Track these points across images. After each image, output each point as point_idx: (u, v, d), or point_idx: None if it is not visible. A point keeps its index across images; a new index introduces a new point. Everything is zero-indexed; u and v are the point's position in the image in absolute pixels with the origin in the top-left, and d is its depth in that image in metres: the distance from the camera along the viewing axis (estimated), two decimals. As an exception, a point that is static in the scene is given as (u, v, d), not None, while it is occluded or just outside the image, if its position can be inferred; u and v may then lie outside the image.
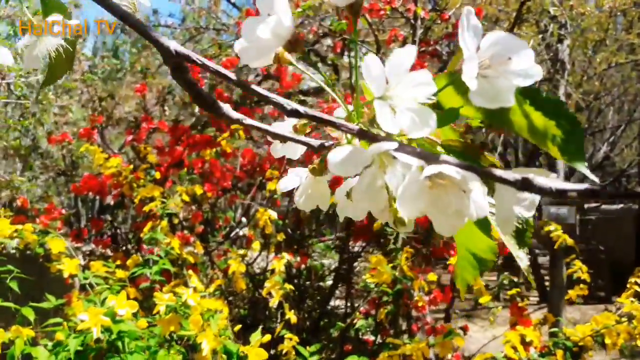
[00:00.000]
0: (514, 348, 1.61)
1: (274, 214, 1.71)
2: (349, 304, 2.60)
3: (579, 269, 1.82)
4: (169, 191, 2.09)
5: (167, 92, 2.68)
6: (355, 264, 2.68)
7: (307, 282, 2.72)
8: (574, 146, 0.31)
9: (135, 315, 1.23)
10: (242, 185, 2.78)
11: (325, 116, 0.33)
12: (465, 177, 0.29)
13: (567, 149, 0.31)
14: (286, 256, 1.76)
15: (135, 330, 1.06)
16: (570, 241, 1.88)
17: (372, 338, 2.23)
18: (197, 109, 2.34)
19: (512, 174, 0.28)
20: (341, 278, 2.68)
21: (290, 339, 1.54)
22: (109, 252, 2.35)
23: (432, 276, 2.01)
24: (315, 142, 0.36)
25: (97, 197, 2.78)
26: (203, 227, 2.11)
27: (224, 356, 1.02)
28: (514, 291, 1.88)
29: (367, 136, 0.33)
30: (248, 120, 0.35)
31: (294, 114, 0.33)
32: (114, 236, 2.33)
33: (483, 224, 0.38)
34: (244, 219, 2.64)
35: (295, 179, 0.38)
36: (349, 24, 2.02)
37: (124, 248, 2.26)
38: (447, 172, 0.29)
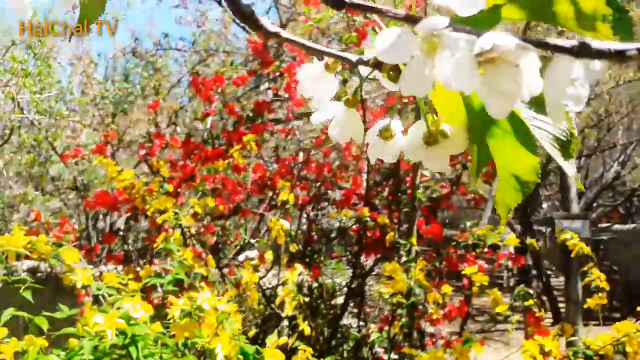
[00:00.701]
0: (533, 358, 1.58)
1: (286, 224, 1.71)
2: (361, 322, 2.57)
3: (597, 277, 1.79)
4: (181, 207, 2.09)
5: (176, 115, 2.71)
6: (368, 279, 2.65)
7: (319, 300, 2.70)
8: (625, 26, 0.30)
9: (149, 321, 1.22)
10: (253, 202, 2.79)
11: (369, 3, 0.31)
12: (519, 49, 0.27)
13: (619, 28, 0.30)
14: (299, 267, 1.75)
15: (150, 334, 1.05)
16: (587, 250, 1.86)
17: (385, 357, 2.20)
18: (208, 125, 2.36)
19: (568, 41, 0.27)
20: (353, 294, 2.65)
21: (305, 351, 1.52)
22: (119, 270, 2.35)
23: (446, 288, 1.99)
24: (353, 57, 0.34)
25: (108, 219, 2.80)
26: (215, 241, 2.11)
27: (241, 357, 1.01)
28: (531, 302, 1.85)
29: (416, 20, 0.29)
30: (285, 34, 0.34)
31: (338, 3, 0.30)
32: (125, 252, 2.33)
33: (526, 141, 0.38)
34: (252, 240, 2.63)
35: (329, 110, 0.37)
36: (359, 36, 2.04)
37: (135, 264, 2.26)
38: (501, 43, 0.27)
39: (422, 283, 1.74)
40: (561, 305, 5.86)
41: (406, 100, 2.47)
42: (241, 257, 2.40)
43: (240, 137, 2.06)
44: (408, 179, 2.35)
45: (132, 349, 1.09)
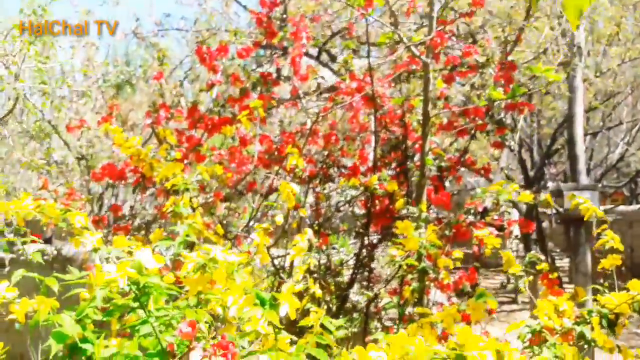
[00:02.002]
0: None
1: (296, 188, 1.68)
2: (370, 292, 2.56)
3: (612, 239, 1.77)
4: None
5: (181, 84, 2.68)
6: (376, 250, 2.64)
7: (326, 276, 2.68)
8: None
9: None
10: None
11: None
12: None
13: None
14: (309, 231, 1.73)
15: (162, 284, 1.03)
16: (600, 213, 1.83)
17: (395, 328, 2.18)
18: (214, 95, 2.33)
19: None
20: (361, 265, 2.64)
21: (316, 312, 1.50)
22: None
23: (458, 252, 1.97)
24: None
25: (113, 195, 2.79)
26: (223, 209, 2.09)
27: (257, 301, 0.99)
28: (545, 265, 1.84)
29: None
30: None
31: None
32: (133, 224, 2.32)
33: None
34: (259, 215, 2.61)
35: None
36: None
37: (144, 232, 2.24)
38: None
39: (435, 242, 1.72)
40: (566, 286, 5.87)
41: (414, 67, 2.44)
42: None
43: (247, 104, 2.04)
44: (417, 146, 2.33)
45: (144, 299, 1.07)
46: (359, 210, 2.79)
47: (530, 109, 2.64)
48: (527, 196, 1.75)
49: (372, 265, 2.69)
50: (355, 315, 2.29)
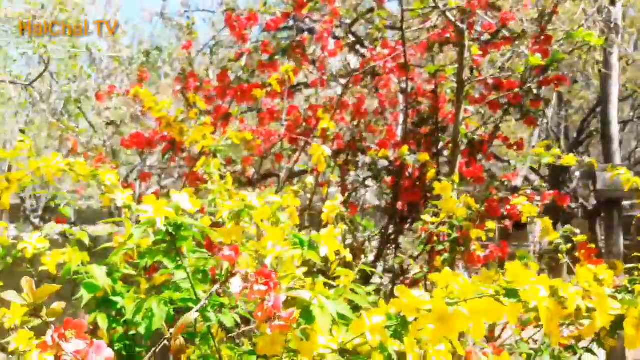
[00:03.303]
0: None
1: (328, 150, 1.65)
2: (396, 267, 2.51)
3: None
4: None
5: (211, 52, 2.68)
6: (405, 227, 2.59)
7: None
8: None
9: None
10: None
11: None
12: None
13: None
14: (339, 196, 1.69)
15: (200, 225, 1.01)
16: (641, 183, 1.76)
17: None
18: (243, 64, 2.31)
19: None
20: (388, 241, 2.60)
21: (347, 275, 1.47)
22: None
23: (491, 224, 1.92)
24: None
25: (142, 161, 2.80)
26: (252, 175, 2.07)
27: (296, 240, 0.96)
28: (583, 237, 1.78)
29: None
30: None
31: None
32: (162, 188, 2.31)
33: None
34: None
35: None
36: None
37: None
38: None
39: (473, 206, 1.67)
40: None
41: (447, 36, 2.38)
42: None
43: (277, 69, 2.01)
44: (450, 117, 2.28)
45: (180, 245, 1.05)
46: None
47: (564, 83, 2.57)
48: (570, 158, 1.69)
49: (400, 243, 2.65)
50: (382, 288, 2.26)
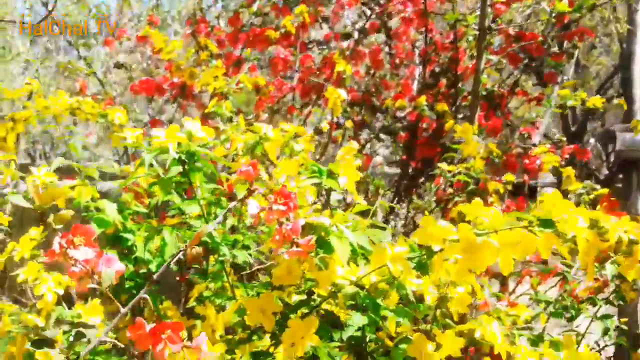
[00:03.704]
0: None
1: (344, 94, 1.59)
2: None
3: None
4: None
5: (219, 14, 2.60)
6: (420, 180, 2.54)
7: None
8: None
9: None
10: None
11: None
12: None
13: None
14: (354, 142, 1.64)
15: (214, 155, 0.96)
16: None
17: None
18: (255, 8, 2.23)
19: None
20: (400, 197, 2.56)
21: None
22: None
23: (509, 177, 1.86)
24: None
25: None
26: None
27: (314, 168, 0.92)
28: (605, 190, 1.72)
29: None
30: None
31: None
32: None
33: None
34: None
35: None
36: None
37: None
38: None
39: (494, 151, 1.62)
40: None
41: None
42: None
43: (291, 13, 1.93)
44: (470, 65, 2.20)
45: (193, 176, 1.01)
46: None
47: (589, 36, 2.47)
48: (597, 100, 1.62)
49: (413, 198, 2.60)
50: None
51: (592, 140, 6.81)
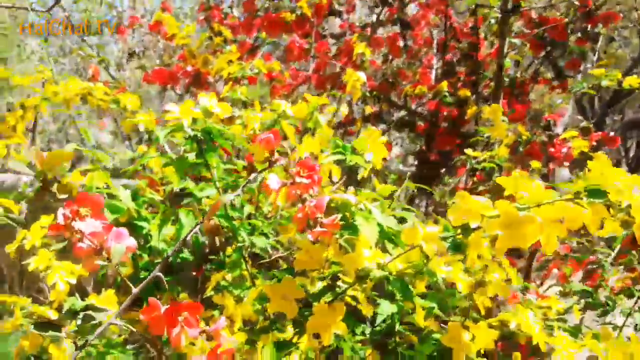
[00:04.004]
0: None
1: (363, 77, 1.52)
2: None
3: None
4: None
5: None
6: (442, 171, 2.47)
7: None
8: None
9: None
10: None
11: None
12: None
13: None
14: (372, 128, 1.57)
15: (226, 130, 0.90)
16: None
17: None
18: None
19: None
20: (419, 190, 2.48)
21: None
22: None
23: (535, 164, 1.79)
24: None
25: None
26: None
27: (337, 144, 0.85)
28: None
29: None
30: None
31: None
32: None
33: None
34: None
35: None
36: None
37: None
38: None
39: (524, 134, 1.54)
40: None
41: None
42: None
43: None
44: (492, 50, 2.12)
45: (210, 157, 0.95)
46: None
47: (614, 21, 2.37)
48: (633, 79, 1.54)
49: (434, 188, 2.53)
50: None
51: (611, 134, 6.68)
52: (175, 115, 0.86)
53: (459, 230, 0.75)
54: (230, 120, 1.21)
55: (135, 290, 0.54)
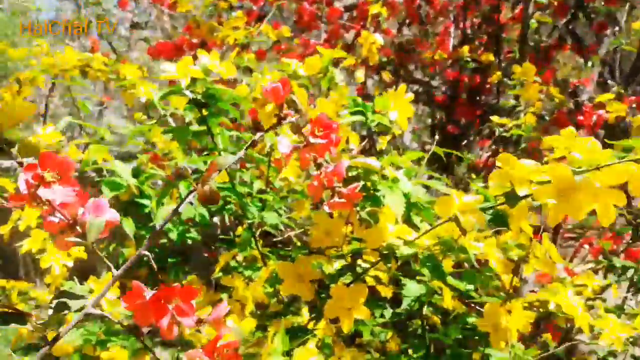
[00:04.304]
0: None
1: (379, 39, 1.40)
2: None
3: None
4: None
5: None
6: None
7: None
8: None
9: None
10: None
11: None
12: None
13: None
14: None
15: (231, 92, 0.80)
16: None
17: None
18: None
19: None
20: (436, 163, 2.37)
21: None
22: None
23: (569, 131, 1.66)
24: None
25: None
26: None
27: (357, 103, 0.75)
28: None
29: None
30: None
31: None
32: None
33: None
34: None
35: None
36: None
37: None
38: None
39: (557, 96, 1.42)
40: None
41: None
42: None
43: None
44: (517, 11, 1.98)
45: (213, 123, 0.85)
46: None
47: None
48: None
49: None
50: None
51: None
52: (172, 74, 0.76)
53: (499, 200, 0.65)
54: (235, 84, 1.10)
55: (116, 272, 0.44)
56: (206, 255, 1.54)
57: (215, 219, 1.52)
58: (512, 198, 0.61)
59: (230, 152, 0.93)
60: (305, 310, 0.79)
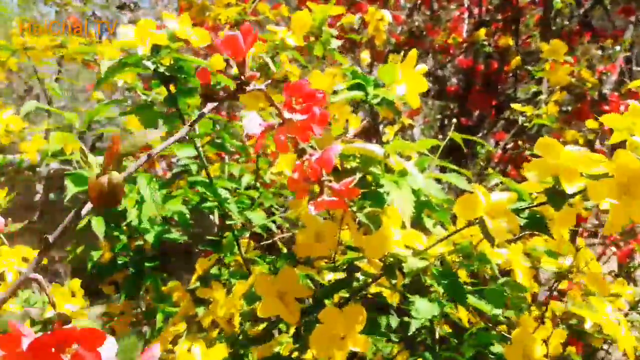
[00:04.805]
0: None
1: (388, 15, 1.26)
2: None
3: None
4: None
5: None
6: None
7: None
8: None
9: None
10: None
11: None
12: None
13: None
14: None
15: (199, 61, 0.65)
16: None
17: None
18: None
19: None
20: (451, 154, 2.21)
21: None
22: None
23: (591, 123, 1.50)
24: None
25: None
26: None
27: (356, 75, 0.60)
28: None
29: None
30: None
31: None
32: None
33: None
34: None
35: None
36: None
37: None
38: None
39: (591, 80, 1.26)
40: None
41: None
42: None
43: None
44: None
45: (182, 102, 0.71)
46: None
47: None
48: None
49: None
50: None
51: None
52: (128, 40, 0.61)
53: (538, 199, 0.50)
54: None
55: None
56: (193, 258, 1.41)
57: (214, 217, 1.39)
58: (556, 196, 0.46)
59: (208, 138, 0.79)
60: (291, 332, 0.65)
